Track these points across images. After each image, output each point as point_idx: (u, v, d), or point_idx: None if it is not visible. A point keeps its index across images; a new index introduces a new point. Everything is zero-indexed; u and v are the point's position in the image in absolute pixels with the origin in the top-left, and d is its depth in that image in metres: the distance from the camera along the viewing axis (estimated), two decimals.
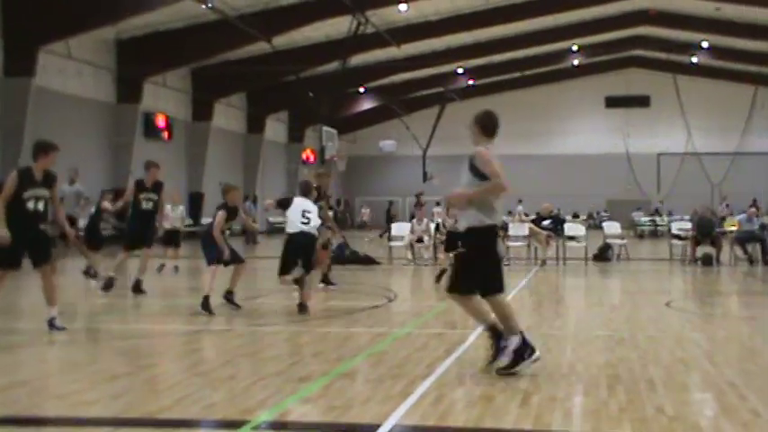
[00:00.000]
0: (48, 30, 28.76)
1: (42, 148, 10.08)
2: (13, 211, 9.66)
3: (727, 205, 47.84)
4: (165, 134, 38.35)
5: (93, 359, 8.52)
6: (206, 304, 11.72)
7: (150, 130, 37.19)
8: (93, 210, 16.94)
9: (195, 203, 39.52)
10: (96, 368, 8.03)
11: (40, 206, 9.84)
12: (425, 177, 53.81)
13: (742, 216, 23.76)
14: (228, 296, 12.38)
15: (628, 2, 42.39)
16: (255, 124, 47.81)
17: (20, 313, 12.83)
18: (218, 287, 12.15)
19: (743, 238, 22.58)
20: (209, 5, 31.37)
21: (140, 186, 14.66)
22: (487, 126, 8.12)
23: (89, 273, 16.15)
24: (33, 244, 9.78)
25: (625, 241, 25.35)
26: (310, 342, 9.61)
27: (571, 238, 23.36)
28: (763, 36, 42.91)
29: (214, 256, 12.18)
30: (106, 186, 34.32)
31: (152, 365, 8.27)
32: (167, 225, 17.18)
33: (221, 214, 12.31)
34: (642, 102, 58.50)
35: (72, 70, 31.78)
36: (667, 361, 8.39)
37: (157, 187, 14.68)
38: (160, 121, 37.94)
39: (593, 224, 43.54)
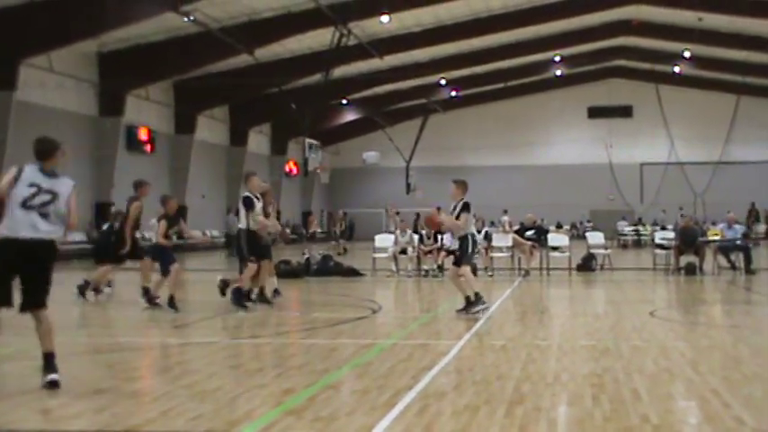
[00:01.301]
0: (29, 43, 28.70)
1: None
2: None
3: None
4: (148, 147, 38.31)
5: (76, 373, 8.46)
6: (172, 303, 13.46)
7: (133, 144, 37.15)
8: (105, 226, 17.04)
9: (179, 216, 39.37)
10: (80, 382, 7.97)
11: None
12: (409, 189, 53.87)
13: (723, 224, 23.87)
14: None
15: (610, 12, 42.63)
16: (238, 137, 47.77)
17: (2, 327, 12.74)
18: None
19: (726, 248, 22.69)
20: (191, 18, 31.37)
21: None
22: None
23: (85, 287, 16.01)
24: None
25: (609, 251, 25.41)
26: (295, 354, 9.61)
27: (555, 248, 23.38)
28: (745, 45, 43.28)
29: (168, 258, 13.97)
30: (94, 198, 34.34)
31: (137, 378, 8.24)
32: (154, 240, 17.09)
33: (163, 223, 14.17)
34: (625, 112, 58.81)
35: (54, 84, 31.67)
36: (651, 370, 8.42)
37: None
38: (143, 135, 37.90)
39: (577, 234, 43.69)
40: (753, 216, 52.40)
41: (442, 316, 12.71)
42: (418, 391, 7.31)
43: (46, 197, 7.48)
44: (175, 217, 14.69)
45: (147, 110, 38.53)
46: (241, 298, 13.52)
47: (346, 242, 29.19)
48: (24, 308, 7.54)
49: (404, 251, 22.63)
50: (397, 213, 40.46)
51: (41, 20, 27.72)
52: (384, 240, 23.94)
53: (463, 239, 13.12)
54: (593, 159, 58.33)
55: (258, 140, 51.03)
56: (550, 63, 50.99)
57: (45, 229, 7.44)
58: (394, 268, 22.34)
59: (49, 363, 7.50)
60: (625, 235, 45.16)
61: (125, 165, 35.50)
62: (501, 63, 48.54)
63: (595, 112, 59.12)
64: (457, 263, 13.17)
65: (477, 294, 12.82)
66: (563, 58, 50.34)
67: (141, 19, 30.10)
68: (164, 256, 14.20)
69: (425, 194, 47.78)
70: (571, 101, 58.83)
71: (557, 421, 6.47)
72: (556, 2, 38.62)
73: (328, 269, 21.98)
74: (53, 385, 7.37)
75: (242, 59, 36.95)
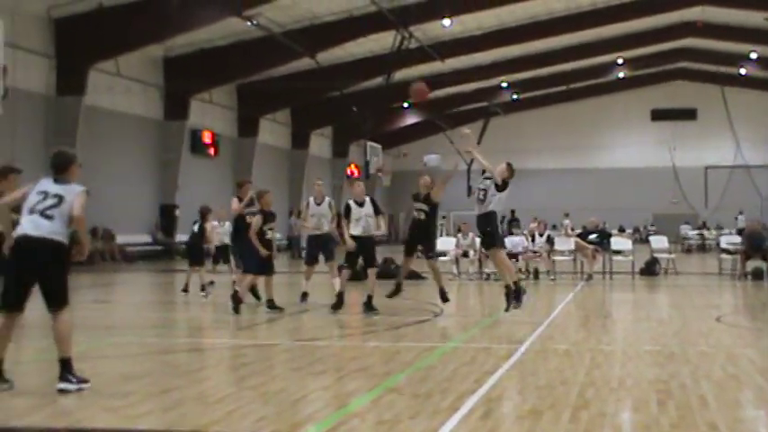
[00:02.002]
0: (98, 49, 29.36)
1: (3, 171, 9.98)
2: None
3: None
4: (212, 150, 38.74)
5: (144, 372, 8.61)
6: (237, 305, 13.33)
7: (197, 147, 37.60)
8: (195, 228, 17.11)
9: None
10: (148, 381, 8.11)
11: None
12: (469, 192, 53.60)
13: None
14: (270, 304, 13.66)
15: (674, 14, 42.06)
16: (300, 140, 48.09)
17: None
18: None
19: None
20: (254, 23, 31.67)
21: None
22: None
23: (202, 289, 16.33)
24: None
25: (673, 255, 25.09)
26: (358, 357, 9.64)
27: (617, 252, 23.17)
28: None
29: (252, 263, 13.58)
30: (159, 201, 34.89)
31: (203, 379, 8.34)
32: (216, 242, 17.32)
33: (257, 219, 13.65)
34: (689, 114, 57.97)
35: (121, 88, 32.20)
36: (719, 377, 8.29)
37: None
38: (207, 138, 38.34)
39: (640, 238, 43.14)
40: None
41: (504, 319, 12.66)
42: (481, 395, 7.30)
43: (52, 201, 7.61)
44: (271, 213, 14.22)
45: (210, 113, 38.99)
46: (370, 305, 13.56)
47: None
48: (59, 305, 7.58)
49: (465, 254, 22.59)
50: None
51: (110, 26, 28.32)
52: (445, 243, 23.92)
53: (492, 217, 12.73)
54: (657, 162, 57.59)
55: (320, 143, 51.33)
56: (613, 65, 50.52)
57: (47, 229, 7.51)
58: (455, 271, 22.31)
59: (61, 369, 7.46)
60: (689, 239, 44.50)
61: (189, 168, 36.00)
62: (563, 65, 48.16)
63: (659, 115, 58.38)
64: (488, 244, 12.92)
65: (516, 284, 12.67)
66: (626, 61, 49.84)
67: (205, 24, 30.50)
68: (251, 254, 13.80)
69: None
70: (634, 103, 58.19)
71: (622, 427, 6.42)
72: (618, 4, 38.22)
73: (389, 272, 21.99)
74: (62, 393, 7.35)
75: (304, 63, 37.21)
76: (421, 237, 14.17)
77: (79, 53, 28.67)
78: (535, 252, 22.08)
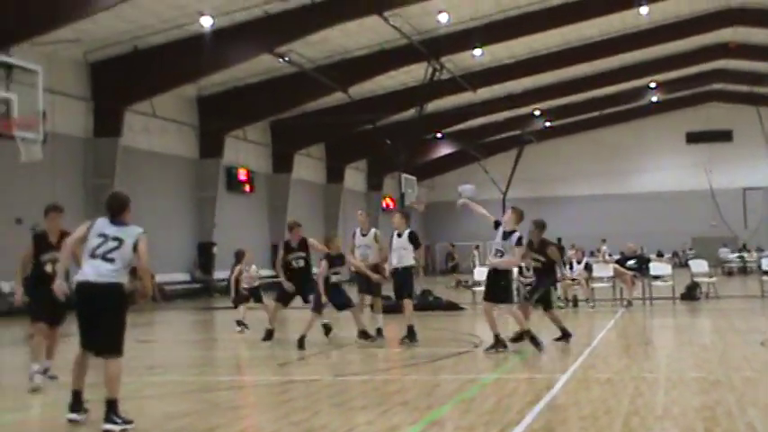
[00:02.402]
0: (133, 91, 29.77)
1: (47, 210, 10.29)
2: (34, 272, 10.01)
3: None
4: (247, 187, 38.99)
5: (187, 411, 8.64)
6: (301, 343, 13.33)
7: (232, 184, 37.88)
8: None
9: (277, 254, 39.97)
10: (190, 420, 8.14)
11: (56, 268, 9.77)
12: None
13: None
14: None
15: (706, 36, 41.85)
16: (335, 174, 48.32)
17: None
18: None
19: None
20: (286, 59, 31.96)
21: (288, 247, 14.89)
22: None
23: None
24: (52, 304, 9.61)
25: (714, 279, 24.83)
26: (398, 390, 9.61)
27: (657, 277, 22.98)
28: None
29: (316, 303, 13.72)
30: (196, 239, 35.11)
31: (245, 416, 8.36)
32: (246, 285, 17.46)
33: (324, 264, 13.92)
34: (725, 136, 57.51)
35: (156, 128, 32.62)
36: (766, 402, 8.18)
37: (303, 245, 14.85)
38: (242, 175, 38.62)
39: (679, 262, 42.74)
40: None
41: (545, 349, 12.57)
42: (525, 427, 7.26)
43: (112, 244, 7.84)
44: (339, 257, 14.37)
45: (245, 150, 39.29)
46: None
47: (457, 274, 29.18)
48: (93, 350, 7.81)
49: None
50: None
51: (144, 68, 28.81)
52: (483, 273, 23.80)
53: (508, 274, 12.83)
54: (693, 186, 57.13)
55: (354, 177, 51.52)
56: (646, 89, 50.35)
57: (107, 273, 7.75)
58: None
59: (107, 410, 7.58)
60: (729, 262, 44.01)
61: (225, 205, 36.25)
62: (595, 91, 48.12)
63: (694, 138, 58.00)
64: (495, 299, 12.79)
65: (496, 337, 12.61)
66: (659, 84, 49.66)
67: (238, 62, 30.80)
68: (316, 294, 14.05)
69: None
70: (668, 127, 57.90)
71: None
72: (650, 28, 38.12)
73: (428, 304, 21.98)
74: None
75: (336, 97, 37.45)
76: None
77: (115, 95, 29.13)
78: (573, 279, 21.94)
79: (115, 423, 7.51)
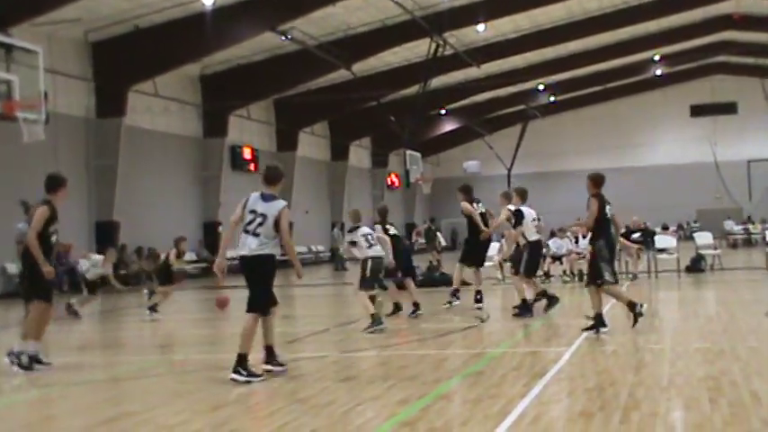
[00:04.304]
0: (135, 71, 29.69)
1: (62, 182, 10.31)
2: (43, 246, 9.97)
3: None
4: (252, 166, 38.99)
5: (194, 389, 8.69)
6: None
7: (237, 163, 37.91)
8: None
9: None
10: (198, 397, 8.20)
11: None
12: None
13: None
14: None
15: (710, 7, 41.60)
16: (339, 151, 48.31)
17: (123, 346, 13.19)
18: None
19: None
20: (289, 37, 31.86)
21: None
22: None
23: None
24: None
25: (718, 251, 24.83)
26: (406, 365, 9.65)
27: (662, 250, 22.99)
28: None
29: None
30: (201, 218, 35.11)
31: (252, 393, 8.40)
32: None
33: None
34: (729, 108, 57.18)
35: (159, 108, 32.58)
36: None
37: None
38: (246, 154, 38.63)
39: (684, 235, 42.73)
40: None
41: (551, 323, 12.62)
42: (531, 399, 7.30)
43: (259, 220, 8.79)
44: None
45: (249, 129, 39.28)
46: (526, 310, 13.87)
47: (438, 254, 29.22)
48: (248, 309, 8.89)
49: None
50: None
51: (146, 47, 28.73)
52: (490, 249, 23.80)
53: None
54: (698, 158, 57.03)
55: (359, 154, 51.49)
56: (650, 63, 50.15)
57: (254, 247, 8.77)
58: (500, 276, 22.25)
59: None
60: (734, 234, 43.97)
61: (230, 184, 36.26)
62: (599, 65, 47.91)
63: (698, 111, 57.70)
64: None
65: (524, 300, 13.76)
66: (663, 57, 49.44)
67: (240, 40, 30.72)
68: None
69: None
70: (673, 100, 57.67)
71: (674, 426, 6.39)
72: (653, 1, 37.92)
73: (434, 279, 22.02)
74: (269, 373, 8.96)
75: (340, 75, 37.37)
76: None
77: (117, 75, 29.09)
78: (579, 254, 21.94)
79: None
